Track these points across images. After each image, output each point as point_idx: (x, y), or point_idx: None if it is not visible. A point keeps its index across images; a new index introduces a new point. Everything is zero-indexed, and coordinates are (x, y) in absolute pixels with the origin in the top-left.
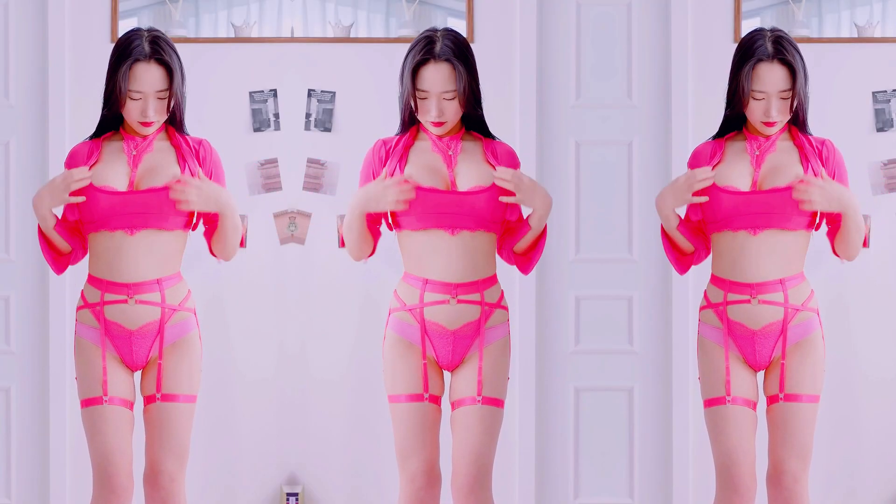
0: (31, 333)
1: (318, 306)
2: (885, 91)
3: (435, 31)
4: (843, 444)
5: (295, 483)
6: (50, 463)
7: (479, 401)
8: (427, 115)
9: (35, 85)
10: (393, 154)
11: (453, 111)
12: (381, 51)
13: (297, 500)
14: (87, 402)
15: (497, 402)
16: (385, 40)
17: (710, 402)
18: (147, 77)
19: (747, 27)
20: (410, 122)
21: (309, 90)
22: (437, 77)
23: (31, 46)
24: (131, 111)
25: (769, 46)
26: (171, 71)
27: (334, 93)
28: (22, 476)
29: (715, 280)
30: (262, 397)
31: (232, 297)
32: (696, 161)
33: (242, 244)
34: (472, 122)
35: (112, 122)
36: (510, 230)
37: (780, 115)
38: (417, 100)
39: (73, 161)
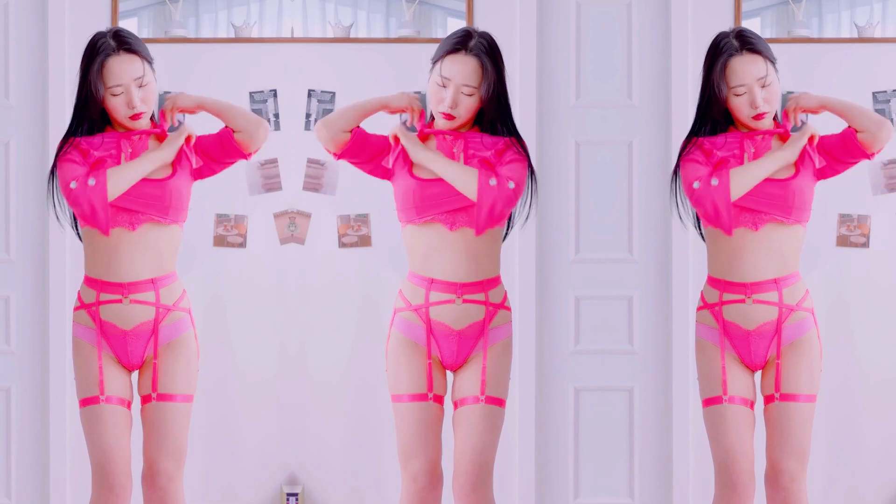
0: (31, 333)
1: (318, 306)
2: (886, 91)
3: (474, 29)
4: (844, 445)
5: (295, 483)
6: (50, 463)
7: (482, 400)
8: (440, 105)
9: (35, 85)
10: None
11: (467, 108)
12: (381, 51)
13: (296, 500)
14: (84, 402)
15: (499, 402)
16: (385, 40)
17: (707, 402)
18: (122, 68)
19: (747, 27)
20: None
21: (309, 90)
22: (462, 68)
23: (31, 46)
24: (118, 108)
25: (734, 42)
26: (142, 58)
27: (334, 93)
28: (22, 476)
29: (711, 281)
30: (262, 397)
31: (232, 297)
32: (692, 156)
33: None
34: (489, 123)
35: (92, 124)
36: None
37: (768, 105)
38: (434, 85)
39: (69, 152)
